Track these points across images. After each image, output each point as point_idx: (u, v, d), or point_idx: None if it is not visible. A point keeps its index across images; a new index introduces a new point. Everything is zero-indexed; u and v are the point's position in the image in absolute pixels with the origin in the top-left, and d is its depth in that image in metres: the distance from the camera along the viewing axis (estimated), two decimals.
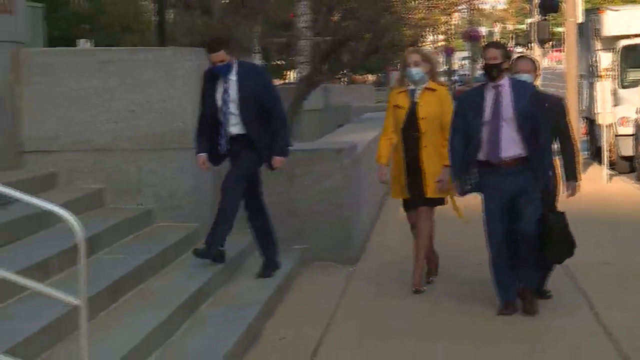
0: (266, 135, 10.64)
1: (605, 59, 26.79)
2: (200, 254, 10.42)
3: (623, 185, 21.74)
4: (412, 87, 10.51)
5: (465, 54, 66.08)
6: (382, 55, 31.34)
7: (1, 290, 7.63)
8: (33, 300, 7.32)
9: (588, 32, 29.42)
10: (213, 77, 10.63)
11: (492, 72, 9.45)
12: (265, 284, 10.94)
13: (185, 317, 9.26)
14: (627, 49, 25.96)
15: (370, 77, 55.27)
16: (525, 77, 10.06)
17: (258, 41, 25.43)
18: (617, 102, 24.80)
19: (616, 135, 24.02)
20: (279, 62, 34.19)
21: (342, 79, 35.47)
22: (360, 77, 50.70)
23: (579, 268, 11.79)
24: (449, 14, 41.00)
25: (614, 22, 27.38)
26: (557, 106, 10.47)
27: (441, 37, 63.52)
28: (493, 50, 9.59)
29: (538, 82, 10.54)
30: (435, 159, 10.46)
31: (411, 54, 10.99)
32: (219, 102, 10.56)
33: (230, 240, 12.16)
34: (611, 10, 30.24)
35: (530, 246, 9.68)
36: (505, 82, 9.50)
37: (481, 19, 69.08)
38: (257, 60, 31.59)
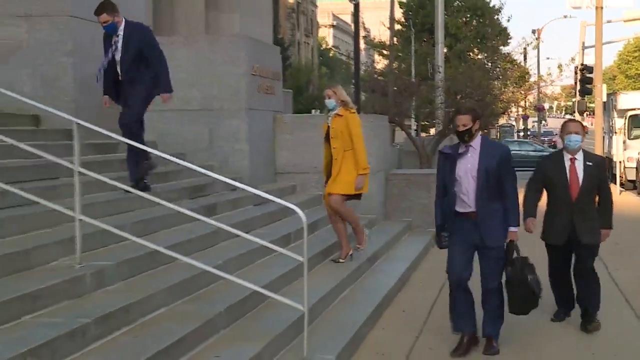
0: (145, 79, 8.46)
1: (619, 122, 26.62)
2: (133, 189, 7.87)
3: (629, 197, 21.39)
4: (329, 113, 8.91)
5: (535, 118, 64.46)
6: (485, 119, 30.89)
7: (263, 252, 7.73)
8: (280, 258, 7.35)
9: (609, 106, 28.99)
10: (108, 36, 8.47)
11: (464, 137, 6.40)
12: (413, 249, 10.84)
13: (367, 268, 9.23)
14: (632, 117, 25.84)
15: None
16: (575, 137, 7.01)
17: (414, 110, 25.34)
18: (626, 148, 24.55)
19: (625, 167, 24.04)
20: (426, 123, 33.82)
21: None
22: None
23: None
24: (526, 95, 40.30)
25: (624, 100, 27.38)
26: (600, 162, 7.38)
27: (521, 109, 62.43)
28: (461, 118, 6.41)
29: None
30: (341, 167, 8.58)
31: (326, 89, 9.14)
32: (110, 54, 8.43)
33: (391, 225, 12.09)
34: (623, 93, 30.33)
35: (493, 299, 6.57)
36: (477, 141, 6.43)
37: (545, 97, 67.35)
38: (413, 123, 31.35)
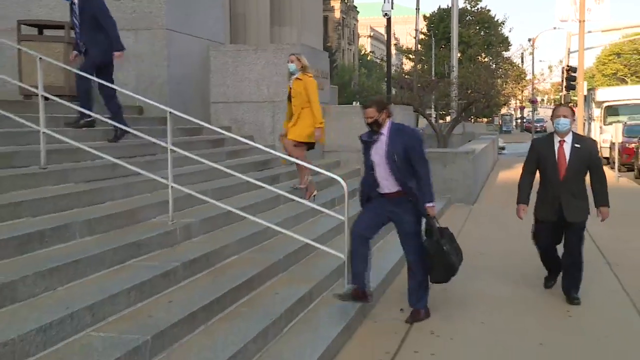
0: (99, 42, 7.65)
1: (597, 112, 26.10)
2: (74, 125, 7.48)
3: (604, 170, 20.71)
4: (291, 77, 8.12)
5: (530, 109, 63.24)
6: (490, 109, 30.45)
7: (313, 213, 7.62)
8: (326, 218, 7.25)
9: (589, 98, 28.39)
10: (72, 5, 7.69)
11: (373, 128, 5.36)
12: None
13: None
14: (607, 107, 25.31)
15: (485, 120, 53.41)
16: (564, 121, 5.93)
17: (433, 102, 25.02)
18: (602, 132, 24.20)
19: (601, 147, 23.50)
20: (443, 112, 33.38)
21: (471, 120, 34.38)
22: (480, 119, 49.15)
23: None
24: (522, 90, 39.55)
25: (601, 94, 26.94)
26: (591, 145, 6.15)
27: (518, 101, 61.39)
28: (367, 111, 5.35)
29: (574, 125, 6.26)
30: (299, 122, 7.98)
31: (290, 56, 8.21)
32: (74, 21, 7.75)
33: None
34: (600, 89, 29.85)
35: (416, 271, 5.61)
36: (385, 129, 5.37)
37: (538, 92, 66.05)
38: (433, 112, 30.96)
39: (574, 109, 6.41)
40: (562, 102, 31.92)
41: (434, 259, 5.46)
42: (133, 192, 6.40)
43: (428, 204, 5.42)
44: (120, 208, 5.72)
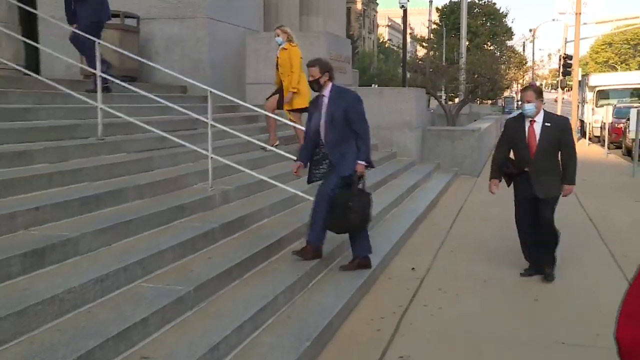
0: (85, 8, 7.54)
1: (589, 95, 25.53)
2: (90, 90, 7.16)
3: (595, 147, 20.43)
4: (279, 47, 7.91)
5: None
6: (494, 92, 29.95)
7: None
8: None
9: (583, 83, 27.82)
10: None
11: (314, 87, 5.02)
12: (441, 182, 10.50)
13: (408, 195, 8.99)
14: (599, 91, 24.72)
15: (490, 101, 52.55)
16: (528, 106, 5.33)
17: (444, 85, 24.64)
18: (594, 113, 23.65)
19: (592, 127, 23.16)
20: (452, 94, 32.86)
21: (477, 102, 33.85)
22: (485, 101, 48.43)
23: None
24: (523, 75, 38.81)
25: (594, 79, 26.28)
26: (562, 124, 5.47)
27: (520, 85, 60.22)
28: (310, 69, 4.95)
29: (542, 106, 5.51)
30: (287, 88, 7.83)
31: (276, 29, 7.97)
32: None
33: (425, 166, 11.70)
34: (593, 74, 29.23)
35: (315, 210, 4.97)
36: (327, 91, 4.97)
37: (537, 77, 64.72)
38: (443, 94, 30.49)
39: (541, 88, 5.54)
40: (559, 86, 31.22)
41: (334, 208, 4.89)
42: (178, 161, 6.39)
43: (359, 162, 4.95)
44: (166, 175, 5.71)
